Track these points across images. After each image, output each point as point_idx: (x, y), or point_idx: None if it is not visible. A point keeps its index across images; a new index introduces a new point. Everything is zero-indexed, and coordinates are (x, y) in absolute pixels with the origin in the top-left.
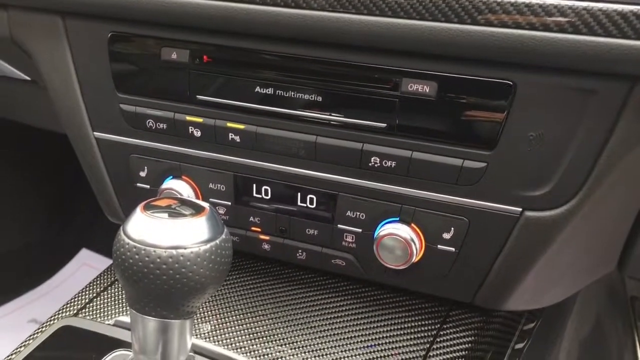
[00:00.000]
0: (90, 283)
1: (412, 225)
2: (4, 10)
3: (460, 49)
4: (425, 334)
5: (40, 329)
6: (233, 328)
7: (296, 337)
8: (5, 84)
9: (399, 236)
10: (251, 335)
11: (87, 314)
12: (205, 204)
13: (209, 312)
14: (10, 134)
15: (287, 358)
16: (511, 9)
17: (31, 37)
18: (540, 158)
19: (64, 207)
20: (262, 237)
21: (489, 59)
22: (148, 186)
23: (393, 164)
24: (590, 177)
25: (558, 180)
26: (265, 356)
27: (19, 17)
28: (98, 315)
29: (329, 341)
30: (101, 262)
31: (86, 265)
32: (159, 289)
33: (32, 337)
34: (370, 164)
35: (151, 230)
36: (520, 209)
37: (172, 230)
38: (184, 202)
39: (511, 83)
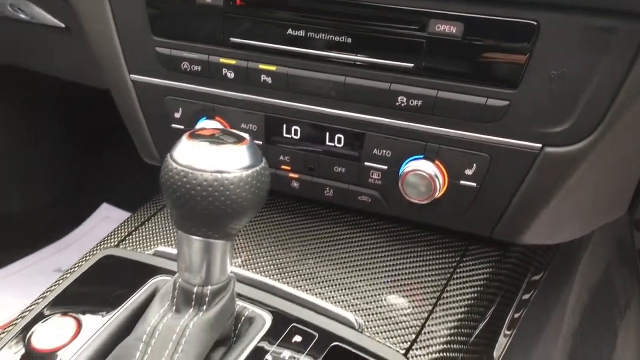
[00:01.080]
0: (129, 217)
1: (436, 162)
2: None
3: None
4: (445, 266)
5: (84, 259)
6: (263, 261)
7: (323, 270)
8: (37, 32)
9: (423, 172)
10: (280, 268)
11: (127, 245)
12: (246, 135)
13: (241, 247)
14: (30, 87)
15: (315, 290)
16: None
17: None
18: (560, 96)
19: (84, 162)
20: (292, 175)
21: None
22: (182, 127)
23: (419, 103)
24: (608, 114)
25: (577, 117)
26: (294, 283)
27: None
28: (138, 246)
29: (353, 274)
30: (122, 216)
31: (107, 219)
32: (205, 210)
33: (76, 265)
34: (397, 104)
35: (197, 156)
36: (540, 145)
37: (216, 156)
38: (225, 132)
39: (535, 23)
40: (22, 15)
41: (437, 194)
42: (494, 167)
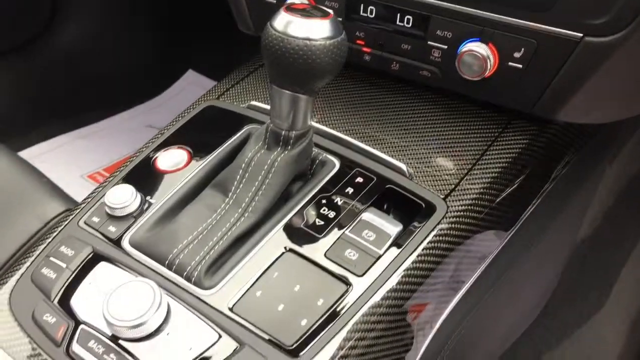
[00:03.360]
0: (227, 75)
1: (490, 44)
2: None
3: None
4: (488, 135)
5: (189, 109)
6: (335, 120)
7: (383, 130)
8: None
9: (478, 53)
10: (349, 126)
11: (225, 98)
12: (330, 10)
13: (319, 107)
14: None
15: (376, 144)
16: None
17: None
18: None
19: (175, 29)
20: (365, 49)
21: None
22: (275, 0)
23: None
24: None
25: (617, 9)
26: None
27: None
28: (235, 100)
29: (408, 135)
30: (205, 82)
31: (192, 84)
32: (294, 69)
33: (182, 115)
34: None
35: (291, 26)
36: (581, 35)
37: (306, 26)
38: (314, 8)
39: None
40: None
41: (488, 73)
42: (539, 52)
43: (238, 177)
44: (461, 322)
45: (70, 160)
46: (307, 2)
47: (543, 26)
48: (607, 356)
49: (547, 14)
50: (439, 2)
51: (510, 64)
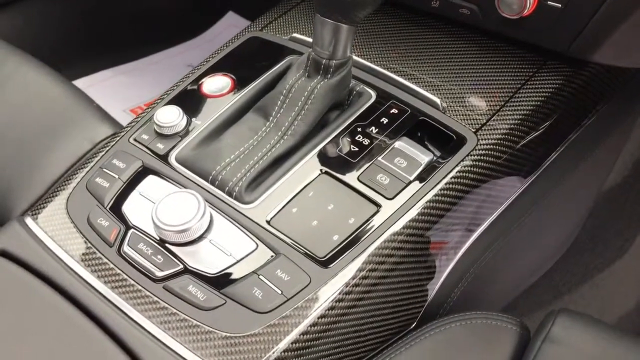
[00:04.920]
0: (268, 11)
1: None
2: None
3: None
4: (523, 74)
5: (233, 39)
6: (375, 54)
7: (420, 66)
8: None
9: None
10: (387, 60)
11: (269, 30)
12: None
13: (358, 41)
14: None
15: (412, 78)
16: None
17: None
18: None
19: None
20: None
21: None
22: None
23: None
24: None
25: None
26: (397, 73)
27: None
28: (277, 32)
29: (444, 71)
30: (245, 24)
31: (232, 26)
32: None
33: (226, 44)
34: None
35: None
36: None
37: None
38: None
39: None
40: None
41: (527, 12)
42: None
43: (279, 102)
44: (477, 261)
45: (113, 94)
46: None
47: None
48: (626, 298)
49: None
50: None
51: (549, 2)
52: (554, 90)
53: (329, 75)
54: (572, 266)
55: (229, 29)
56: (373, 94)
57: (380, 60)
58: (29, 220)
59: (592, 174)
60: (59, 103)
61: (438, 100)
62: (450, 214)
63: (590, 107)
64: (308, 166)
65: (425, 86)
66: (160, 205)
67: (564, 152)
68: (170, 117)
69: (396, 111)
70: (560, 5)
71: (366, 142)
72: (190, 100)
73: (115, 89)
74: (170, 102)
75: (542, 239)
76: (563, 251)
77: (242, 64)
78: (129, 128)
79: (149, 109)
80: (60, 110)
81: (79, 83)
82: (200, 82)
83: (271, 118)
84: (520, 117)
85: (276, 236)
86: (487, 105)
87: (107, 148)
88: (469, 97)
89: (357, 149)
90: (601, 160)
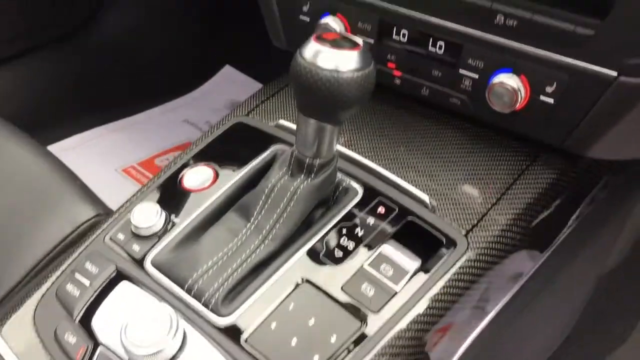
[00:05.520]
0: (258, 91)
1: (522, 76)
2: None
3: None
4: (516, 167)
5: (219, 124)
6: (362, 143)
7: (409, 157)
8: None
9: (509, 85)
10: (374, 151)
11: (255, 115)
12: (360, 40)
13: (346, 129)
14: None
15: (400, 172)
16: None
17: None
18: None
19: (213, 23)
20: (396, 72)
21: None
22: (308, 19)
23: (514, 23)
24: None
25: None
26: (384, 165)
27: None
28: (263, 118)
29: (433, 163)
30: (241, 78)
31: (229, 80)
32: (321, 100)
33: (212, 130)
34: (495, 22)
35: (320, 56)
36: (616, 74)
37: (334, 58)
38: (344, 37)
39: None
40: None
41: (518, 106)
42: (571, 88)
43: (260, 202)
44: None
45: (105, 153)
46: (338, 31)
47: (577, 61)
48: None
49: (583, 49)
50: (472, 30)
51: (541, 98)
52: (548, 184)
53: (313, 175)
54: (575, 349)
55: (225, 83)
56: (360, 190)
57: (367, 150)
58: None
59: (591, 262)
60: (41, 182)
61: (427, 198)
62: (439, 324)
63: (587, 195)
64: (289, 274)
65: (415, 177)
66: (130, 324)
67: (566, 239)
68: (148, 217)
69: (383, 210)
70: (552, 101)
71: (351, 245)
72: (170, 194)
73: (107, 148)
74: (150, 196)
75: (532, 340)
76: (565, 335)
77: (225, 153)
78: (106, 224)
79: (129, 203)
80: (42, 189)
81: (70, 141)
82: (181, 175)
83: (252, 219)
84: (513, 215)
85: (254, 357)
86: (478, 203)
87: (81, 247)
88: (460, 192)
89: (341, 253)
90: (600, 246)
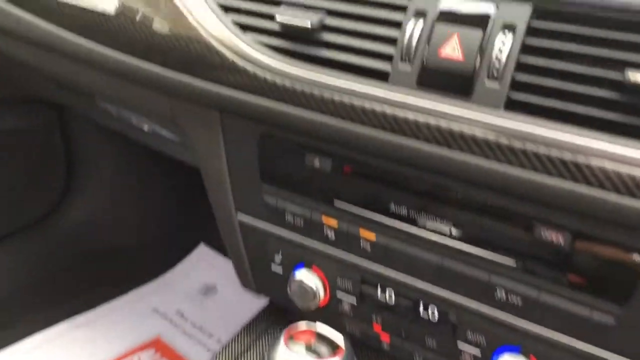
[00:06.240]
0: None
1: (532, 358)
2: (168, 97)
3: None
4: None
5: None
6: None
7: None
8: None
9: None
10: None
11: None
12: (341, 342)
13: None
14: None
15: None
16: None
17: (190, 123)
18: None
19: (184, 202)
20: (383, 337)
21: None
22: (281, 272)
23: (519, 301)
24: None
25: None
26: None
27: (182, 105)
28: None
29: None
30: (217, 259)
31: (204, 262)
32: None
33: None
34: (496, 297)
35: None
36: None
37: None
38: (322, 339)
39: None
40: (145, 127)
41: None
42: None
43: None
44: None
45: (71, 355)
46: (314, 330)
47: (602, 350)
48: None
49: (605, 337)
50: (469, 301)
51: None
52: None
53: None
54: None
55: (200, 264)
56: None
57: None
58: None
59: None
60: None
61: None
62: None
63: None
64: None
65: None
66: None
67: None
68: None
69: None
70: None
71: None
72: None
73: (73, 348)
74: None
75: None
76: None
77: None
78: None
79: None
80: None
81: (33, 341)
82: None
83: None
84: None
85: None
86: None
87: None
88: None
89: None
90: None
